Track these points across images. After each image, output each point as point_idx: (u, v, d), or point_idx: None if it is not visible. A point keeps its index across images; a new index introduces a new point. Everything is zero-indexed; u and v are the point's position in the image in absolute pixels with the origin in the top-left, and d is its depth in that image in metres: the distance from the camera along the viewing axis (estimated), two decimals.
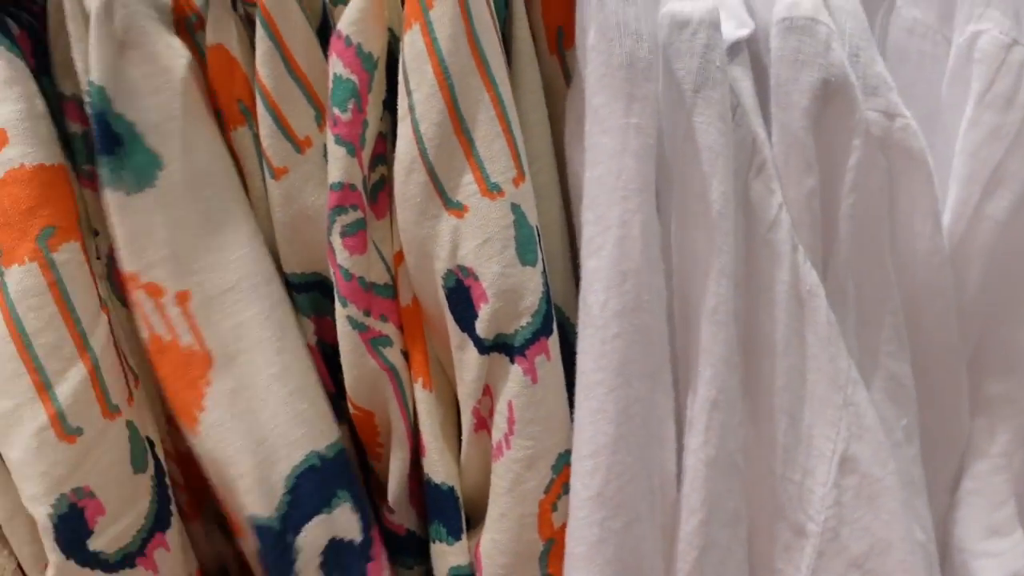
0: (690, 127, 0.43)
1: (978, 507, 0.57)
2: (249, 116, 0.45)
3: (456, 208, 0.43)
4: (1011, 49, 0.47)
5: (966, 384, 0.55)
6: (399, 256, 0.45)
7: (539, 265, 0.43)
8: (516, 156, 0.42)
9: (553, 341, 0.44)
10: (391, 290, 0.46)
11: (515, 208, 0.42)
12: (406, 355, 0.47)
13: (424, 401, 0.46)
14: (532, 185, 0.45)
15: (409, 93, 0.42)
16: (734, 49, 0.46)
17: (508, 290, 0.42)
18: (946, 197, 0.51)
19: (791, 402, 0.48)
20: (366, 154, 0.44)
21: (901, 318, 0.51)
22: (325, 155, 0.43)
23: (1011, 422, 0.56)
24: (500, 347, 0.43)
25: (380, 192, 0.46)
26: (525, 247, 0.42)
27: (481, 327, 0.43)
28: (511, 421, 0.44)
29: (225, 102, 0.44)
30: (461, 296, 0.43)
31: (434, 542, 0.48)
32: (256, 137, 0.44)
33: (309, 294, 0.47)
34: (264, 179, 0.45)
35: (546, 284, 0.43)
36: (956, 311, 0.52)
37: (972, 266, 0.51)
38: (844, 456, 0.48)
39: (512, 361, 0.43)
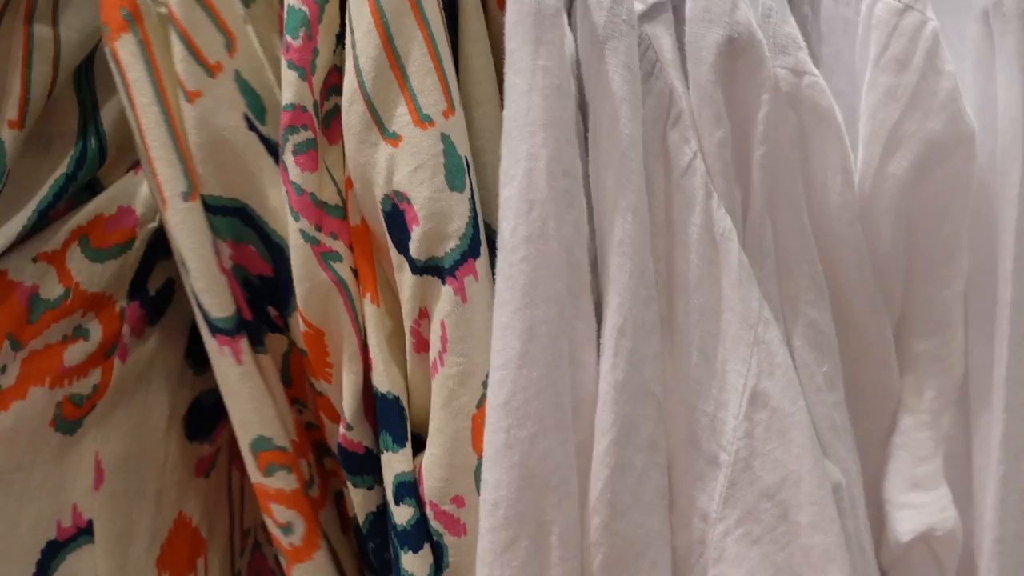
0: (600, 73, 0.47)
1: (903, 461, 0.60)
2: (134, 23, 0.48)
3: (392, 137, 0.47)
4: (903, 14, 0.51)
5: (891, 339, 0.58)
6: (349, 181, 0.50)
7: (467, 192, 0.47)
8: (447, 91, 0.47)
9: (482, 263, 0.48)
10: (341, 211, 0.50)
11: (444, 138, 0.47)
12: (356, 272, 0.51)
13: (372, 316, 0.50)
14: (478, 128, 0.49)
15: (352, 30, 0.47)
16: (657, 8, 0.50)
17: (437, 213, 0.47)
18: None
19: (704, 338, 0.51)
20: (317, 81, 0.48)
21: (819, 268, 0.54)
22: (236, 80, 0.49)
23: (936, 380, 0.59)
24: (432, 269, 0.48)
25: (333, 120, 0.50)
26: (454, 174, 0.47)
27: (414, 248, 0.47)
28: (444, 339, 0.48)
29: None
30: (397, 219, 0.48)
31: (383, 453, 0.51)
32: (143, 44, 0.49)
33: (228, 218, 0.51)
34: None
35: (474, 210, 0.47)
36: (873, 267, 0.56)
37: (882, 224, 0.54)
38: (755, 391, 0.51)
39: (443, 282, 0.47)
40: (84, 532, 0.55)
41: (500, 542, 0.48)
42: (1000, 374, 0.56)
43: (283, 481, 0.53)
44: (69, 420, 0.54)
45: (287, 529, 0.53)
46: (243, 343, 0.52)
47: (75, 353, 0.53)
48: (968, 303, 0.58)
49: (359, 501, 0.53)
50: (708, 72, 0.49)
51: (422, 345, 0.50)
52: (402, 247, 0.48)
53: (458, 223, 0.47)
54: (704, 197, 0.50)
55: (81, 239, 0.53)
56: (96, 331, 0.54)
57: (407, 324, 0.49)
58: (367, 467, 0.53)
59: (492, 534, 0.48)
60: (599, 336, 0.49)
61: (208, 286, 0.50)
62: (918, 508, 0.59)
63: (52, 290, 0.52)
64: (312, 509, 0.54)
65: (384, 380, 0.51)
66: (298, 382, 0.55)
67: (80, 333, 0.54)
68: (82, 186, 0.54)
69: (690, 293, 0.51)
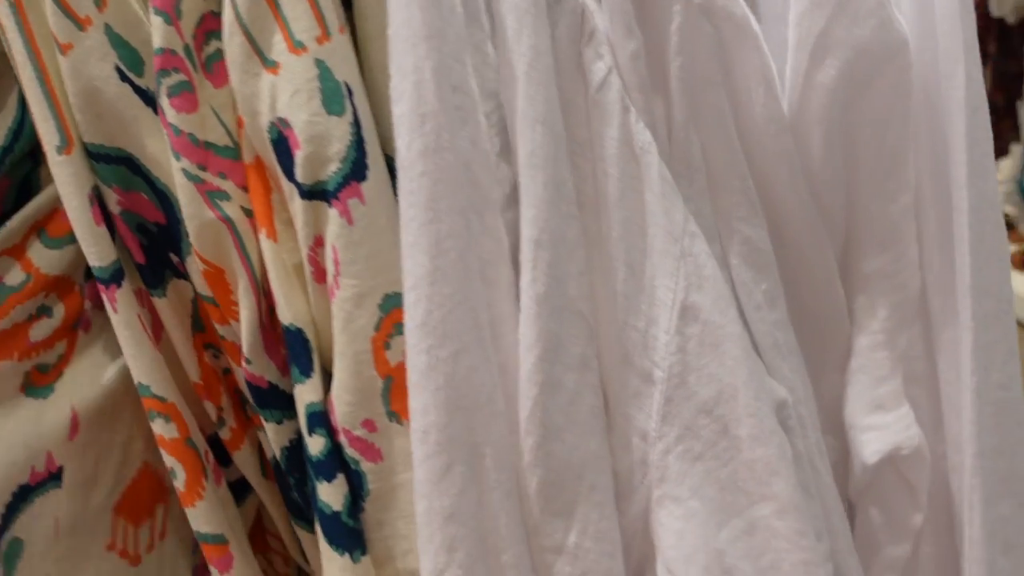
0: None
1: (862, 383, 0.58)
2: None
3: (272, 66, 0.49)
4: None
5: (831, 257, 0.57)
6: (241, 120, 0.52)
7: (347, 116, 0.48)
8: (319, 17, 0.49)
9: (369, 187, 0.49)
10: (231, 151, 0.52)
11: (319, 63, 0.48)
12: (249, 213, 0.52)
13: (269, 250, 0.51)
14: (374, 62, 0.51)
15: None
16: None
17: (316, 136, 0.48)
18: None
19: (630, 253, 0.51)
20: (186, 25, 0.51)
21: (750, 183, 0.54)
22: (107, 32, 0.51)
23: (888, 298, 0.57)
24: (318, 193, 0.49)
25: (217, 63, 0.52)
26: (330, 99, 0.48)
27: (299, 173, 0.49)
28: (336, 262, 0.49)
29: None
30: (282, 146, 0.49)
31: (295, 386, 0.53)
32: (14, 5, 0.51)
33: (113, 166, 0.53)
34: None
35: (358, 135, 0.49)
36: (808, 181, 0.55)
37: (812, 135, 0.54)
38: (684, 305, 0.51)
39: (329, 205, 0.49)
40: (54, 477, 0.57)
41: (435, 470, 0.48)
42: (964, 283, 0.54)
43: (162, 428, 0.55)
44: (37, 386, 0.57)
45: (173, 473, 0.55)
46: (118, 292, 0.53)
47: (41, 329, 0.56)
48: (921, 216, 0.57)
49: (272, 436, 0.54)
50: None
51: (321, 275, 0.51)
52: (289, 173, 0.50)
53: (338, 146, 0.48)
54: (621, 111, 0.50)
55: (39, 231, 0.56)
56: (59, 309, 0.57)
57: (304, 252, 0.51)
58: (273, 401, 0.54)
59: (426, 463, 0.48)
60: (514, 256, 0.50)
61: (84, 236, 0.52)
62: (881, 429, 0.58)
63: (15, 277, 0.55)
64: (196, 458, 0.55)
65: (287, 313, 0.52)
66: (211, 327, 0.57)
67: (44, 312, 0.56)
68: (20, 158, 0.56)
69: (612, 208, 0.51)
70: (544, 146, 0.48)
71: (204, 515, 0.55)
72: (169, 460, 0.55)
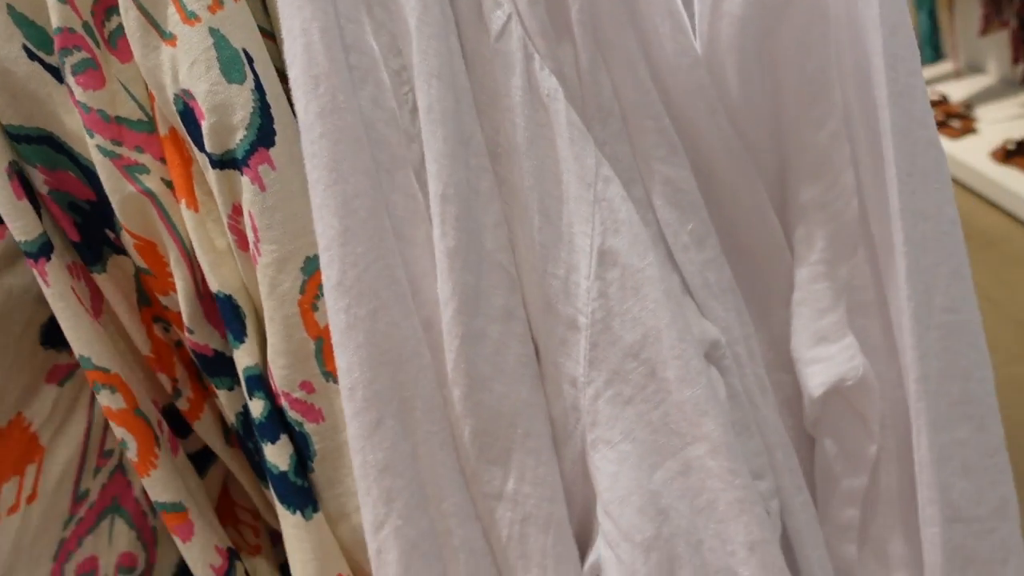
0: None
1: (805, 316, 0.58)
2: None
3: (169, 38, 0.50)
4: None
5: (761, 190, 0.56)
6: (152, 94, 0.52)
7: (248, 83, 0.49)
8: None
9: (278, 152, 0.49)
10: (146, 124, 0.53)
11: (214, 32, 0.49)
12: (171, 184, 0.53)
13: (190, 220, 0.52)
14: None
15: None
16: None
17: (218, 105, 0.48)
18: None
19: (545, 201, 0.51)
20: (83, 3, 0.51)
21: (666, 122, 0.53)
22: (10, 13, 0.51)
23: (825, 227, 0.56)
24: (229, 162, 0.50)
25: (120, 39, 0.53)
26: (229, 67, 0.49)
27: (207, 143, 0.49)
28: (255, 229, 0.50)
29: None
30: (189, 117, 0.50)
31: (233, 352, 0.54)
32: None
33: (36, 146, 0.54)
34: None
35: (261, 100, 0.49)
36: (729, 114, 0.54)
37: (727, 66, 0.53)
38: (602, 250, 0.51)
39: (241, 173, 0.49)
40: None
41: (366, 426, 0.49)
42: (895, 207, 0.53)
43: (109, 400, 0.56)
44: None
45: (124, 444, 0.56)
46: (48, 265, 0.54)
47: None
48: (854, 140, 0.55)
49: (225, 403, 0.56)
50: None
51: (244, 242, 0.52)
52: (200, 144, 0.50)
53: (241, 113, 0.49)
54: (523, 59, 0.50)
55: None
56: None
57: (224, 222, 0.51)
58: (221, 368, 0.56)
59: (356, 419, 0.49)
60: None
61: (7, 211, 0.53)
62: (825, 361, 0.57)
63: None
64: (147, 428, 0.57)
65: (214, 281, 0.53)
66: (156, 300, 0.58)
67: None
68: None
69: (523, 157, 0.51)
70: (441, 100, 0.48)
71: (160, 484, 0.57)
72: (119, 431, 0.56)
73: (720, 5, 0.51)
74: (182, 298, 0.54)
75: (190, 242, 0.54)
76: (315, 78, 0.46)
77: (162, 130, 0.53)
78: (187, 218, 0.53)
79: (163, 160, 0.54)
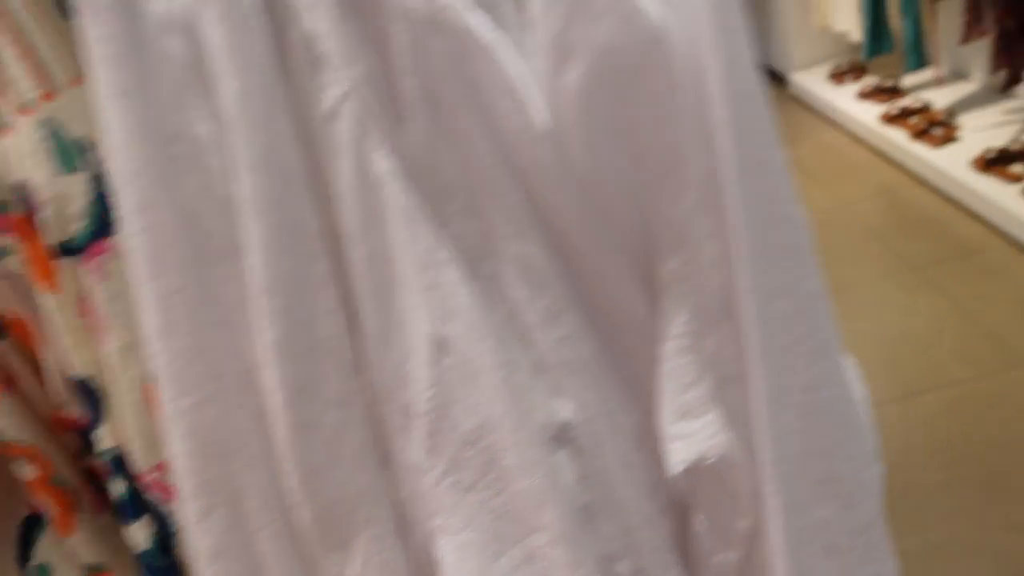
0: (201, 30, 0.46)
1: (669, 390, 0.56)
2: None
3: (6, 127, 0.49)
4: None
5: (620, 262, 0.54)
6: None
7: (85, 173, 0.48)
8: (44, 74, 0.48)
9: (120, 240, 0.48)
10: (3, 207, 0.52)
11: (47, 122, 0.48)
12: None
13: (48, 302, 0.52)
14: None
15: None
16: None
17: (55, 197, 0.48)
18: None
19: (378, 286, 0.50)
20: None
21: (514, 199, 0.51)
22: None
23: (688, 300, 0.54)
24: (70, 251, 0.49)
25: None
26: (63, 158, 0.48)
27: (49, 233, 0.49)
28: (102, 317, 0.49)
29: None
30: (32, 206, 0.49)
31: (94, 434, 0.54)
32: None
33: None
34: None
35: (98, 190, 0.48)
36: (582, 189, 0.52)
37: (573, 139, 0.51)
38: (436, 337, 0.49)
39: (80, 262, 0.48)
40: None
41: (196, 512, 0.49)
42: (747, 285, 0.51)
43: (24, 470, 0.56)
44: None
45: (45, 509, 0.57)
46: None
47: None
48: (718, 213, 0.54)
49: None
50: (325, 17, 0.47)
51: (94, 327, 0.51)
52: (44, 233, 0.49)
53: (79, 204, 0.48)
54: (353, 140, 0.49)
55: None
56: None
57: (74, 308, 0.50)
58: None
59: (189, 503, 0.49)
60: None
61: None
62: (687, 438, 0.55)
63: None
64: (64, 495, 0.57)
65: (74, 363, 0.52)
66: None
67: None
68: None
69: (356, 242, 0.49)
70: (264, 190, 0.47)
71: (82, 547, 0.58)
72: (40, 498, 0.57)
73: (558, 80, 0.50)
74: (52, 377, 0.54)
75: (52, 323, 0.53)
76: (133, 172, 0.45)
77: (16, 211, 0.52)
78: (45, 300, 0.52)
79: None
